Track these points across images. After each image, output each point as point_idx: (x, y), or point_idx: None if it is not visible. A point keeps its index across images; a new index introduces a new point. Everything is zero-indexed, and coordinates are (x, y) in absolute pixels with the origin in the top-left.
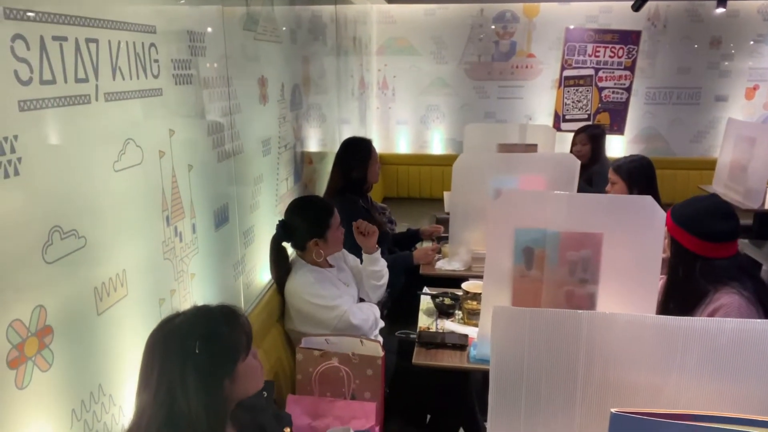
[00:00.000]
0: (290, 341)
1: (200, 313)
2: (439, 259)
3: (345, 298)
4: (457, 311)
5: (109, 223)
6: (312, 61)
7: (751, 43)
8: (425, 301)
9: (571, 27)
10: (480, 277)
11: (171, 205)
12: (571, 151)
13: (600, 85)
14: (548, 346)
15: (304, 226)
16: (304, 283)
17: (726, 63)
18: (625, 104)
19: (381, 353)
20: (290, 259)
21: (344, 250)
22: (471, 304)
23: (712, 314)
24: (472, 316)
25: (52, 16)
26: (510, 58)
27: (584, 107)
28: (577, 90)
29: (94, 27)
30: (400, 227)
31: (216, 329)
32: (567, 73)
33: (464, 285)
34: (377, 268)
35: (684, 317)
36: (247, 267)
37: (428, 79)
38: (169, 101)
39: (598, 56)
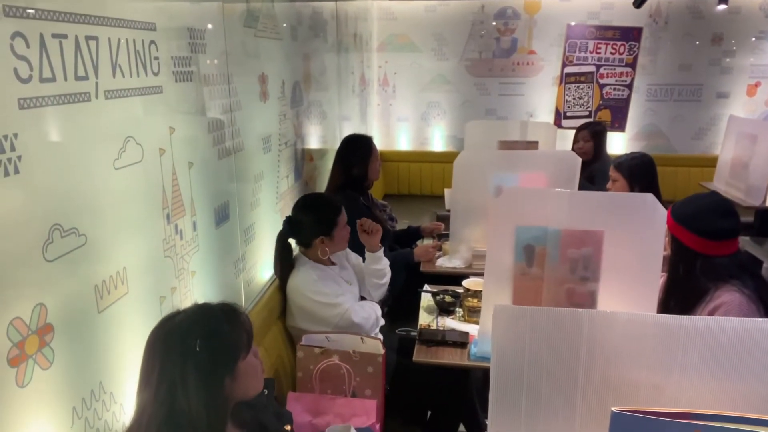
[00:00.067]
0: (291, 339)
1: (201, 311)
2: (439, 257)
3: (347, 296)
4: (457, 309)
5: (109, 221)
6: (312, 58)
7: (753, 39)
8: (426, 299)
9: (573, 23)
10: (481, 275)
11: (171, 202)
12: (573, 148)
13: (601, 81)
14: (549, 345)
15: (312, 223)
16: (306, 280)
17: (727, 60)
18: (626, 101)
19: (382, 351)
20: (293, 255)
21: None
22: (472, 302)
23: (712, 312)
24: (472, 314)
25: (51, 13)
26: (511, 55)
27: (585, 104)
28: (578, 87)
29: (94, 24)
30: (401, 224)
31: (217, 327)
32: (568, 69)
33: (465, 282)
34: (380, 266)
35: (685, 316)
36: (248, 264)
37: (429, 76)
38: (170, 99)
39: (599, 53)
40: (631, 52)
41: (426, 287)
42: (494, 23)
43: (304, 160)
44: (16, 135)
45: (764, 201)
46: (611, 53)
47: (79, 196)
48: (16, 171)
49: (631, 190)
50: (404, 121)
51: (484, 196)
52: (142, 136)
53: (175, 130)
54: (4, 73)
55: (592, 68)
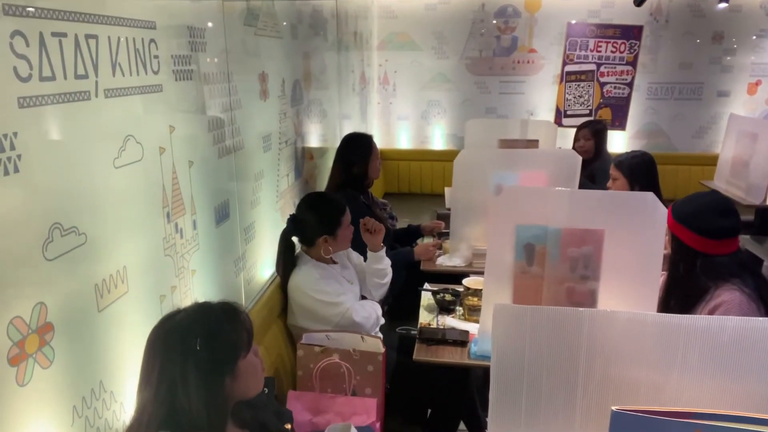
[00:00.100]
0: (291, 337)
1: (201, 309)
2: (439, 255)
3: (348, 295)
4: (457, 307)
5: (109, 219)
6: (313, 57)
7: (754, 38)
8: (426, 297)
9: (573, 22)
10: (481, 274)
11: (171, 201)
12: (574, 147)
13: (602, 80)
14: (549, 344)
15: (316, 222)
16: (308, 279)
17: (728, 58)
18: (627, 100)
19: (382, 349)
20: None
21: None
22: (472, 300)
23: (712, 311)
24: (472, 313)
25: (51, 12)
26: (511, 53)
27: (586, 103)
28: (578, 85)
29: (94, 23)
30: (401, 223)
31: (217, 326)
32: (568, 68)
33: (465, 281)
34: (381, 266)
35: (685, 315)
36: (248, 263)
37: (429, 75)
38: (170, 97)
39: (599, 51)
40: (632, 51)
41: (426, 286)
42: (494, 21)
43: (304, 159)
44: (15, 134)
45: (765, 199)
46: (612, 51)
47: (79, 194)
48: (16, 170)
49: (632, 188)
50: (404, 120)
51: (484, 195)
52: (142, 135)
53: (175, 129)
54: (3, 72)
55: (593, 66)
